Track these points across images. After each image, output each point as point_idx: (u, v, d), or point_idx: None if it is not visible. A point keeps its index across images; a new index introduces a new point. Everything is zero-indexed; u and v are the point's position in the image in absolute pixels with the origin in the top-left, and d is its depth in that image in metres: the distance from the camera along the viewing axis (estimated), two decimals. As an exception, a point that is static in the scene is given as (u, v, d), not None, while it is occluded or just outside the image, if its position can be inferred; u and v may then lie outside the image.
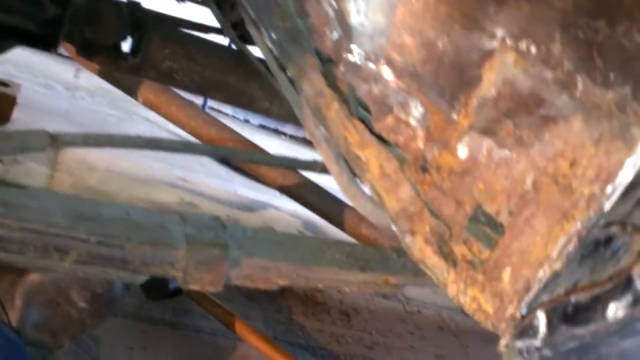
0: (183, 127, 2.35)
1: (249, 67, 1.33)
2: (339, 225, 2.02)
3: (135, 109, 3.23)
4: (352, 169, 0.75)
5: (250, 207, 3.04)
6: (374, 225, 0.85)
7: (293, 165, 1.29)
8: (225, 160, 3.28)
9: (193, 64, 1.44)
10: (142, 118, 3.27)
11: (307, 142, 4.22)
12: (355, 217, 2.01)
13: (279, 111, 1.59)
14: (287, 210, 3.00)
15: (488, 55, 0.68)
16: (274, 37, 0.69)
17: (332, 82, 0.72)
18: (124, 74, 1.48)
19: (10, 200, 0.66)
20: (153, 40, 1.38)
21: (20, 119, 2.47)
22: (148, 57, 1.37)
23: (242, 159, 1.59)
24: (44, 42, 1.28)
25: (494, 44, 0.68)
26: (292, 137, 4.47)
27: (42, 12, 1.24)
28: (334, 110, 0.73)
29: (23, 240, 0.64)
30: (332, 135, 0.74)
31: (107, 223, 0.71)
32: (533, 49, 0.66)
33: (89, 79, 3.19)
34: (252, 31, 0.71)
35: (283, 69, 0.71)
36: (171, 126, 2.58)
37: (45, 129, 0.86)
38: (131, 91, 2.11)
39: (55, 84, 3.11)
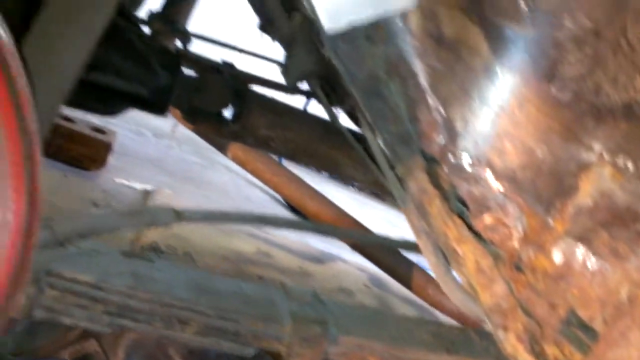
0: (267, 184, 2.46)
1: (337, 136, 1.41)
2: (406, 284, 2.07)
3: (218, 157, 3.36)
4: (449, 262, 0.80)
5: (320, 259, 3.10)
6: (440, 288, 0.90)
7: (394, 245, 1.34)
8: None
9: (288, 132, 1.53)
10: (223, 166, 3.41)
11: (374, 194, 4.29)
12: (422, 277, 2.05)
13: (362, 178, 1.66)
14: (355, 263, 3.05)
15: (585, 167, 0.73)
16: (387, 139, 0.76)
17: (435, 181, 0.78)
18: (223, 139, 1.58)
19: (140, 272, 0.74)
20: (253, 110, 1.47)
21: (115, 164, 2.62)
22: (247, 125, 1.47)
23: (343, 236, 1.68)
24: (154, 107, 1.39)
25: (592, 157, 0.73)
26: (360, 189, 4.54)
27: (156, 80, 1.35)
28: (436, 206, 0.78)
29: (151, 311, 0.71)
30: (432, 229, 0.79)
31: (224, 297, 0.77)
32: (630, 166, 0.70)
33: (177, 127, 3.34)
34: (367, 132, 0.78)
35: (392, 168, 0.78)
36: (249, 175, 2.72)
37: (172, 207, 0.94)
38: (221, 147, 2.24)
39: (145, 131, 3.28)
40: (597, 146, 0.73)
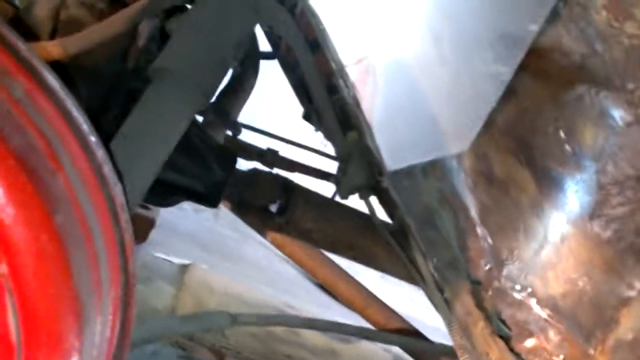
0: (303, 267, 2.51)
1: (375, 231, 1.47)
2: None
3: (252, 232, 3.44)
4: (491, 382, 0.85)
5: (347, 338, 3.11)
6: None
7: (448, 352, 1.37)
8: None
9: (330, 226, 1.59)
10: (257, 242, 3.47)
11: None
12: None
13: (395, 271, 1.72)
14: (380, 344, 3.06)
15: (626, 302, 0.78)
16: (437, 264, 0.82)
17: (479, 303, 0.84)
18: (269, 230, 1.65)
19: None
20: (299, 204, 1.55)
21: (155, 238, 2.71)
22: (292, 219, 1.54)
23: (388, 342, 1.73)
24: (208, 200, 1.47)
25: (632, 293, 0.78)
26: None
27: (211, 176, 1.43)
28: (479, 327, 0.83)
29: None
30: (475, 349, 0.84)
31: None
32: (668, 305, 0.75)
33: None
34: (418, 257, 0.84)
35: (441, 291, 0.83)
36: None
37: (227, 311, 1.00)
38: (260, 231, 2.31)
39: (185, 205, 3.38)
40: (637, 284, 0.78)
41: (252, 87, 2.01)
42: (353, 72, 0.69)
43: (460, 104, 0.74)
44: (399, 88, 0.72)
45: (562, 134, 0.79)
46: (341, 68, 0.68)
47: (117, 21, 0.99)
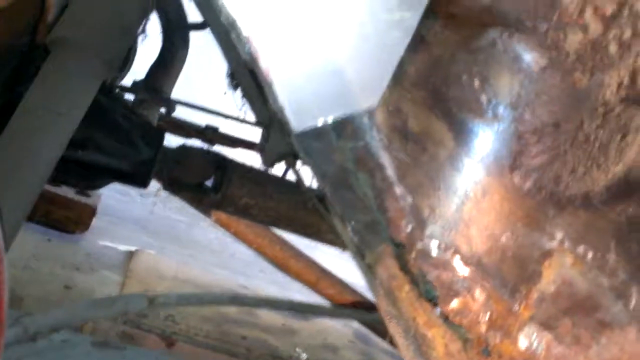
0: (250, 245, 2.47)
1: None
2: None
3: (202, 215, 3.38)
4: (419, 346, 0.82)
5: (305, 315, 3.09)
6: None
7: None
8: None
9: (268, 201, 1.55)
10: (209, 224, 3.41)
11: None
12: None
13: (342, 243, 1.69)
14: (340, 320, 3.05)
15: (548, 254, 0.75)
16: (356, 228, 0.78)
17: (404, 267, 0.80)
18: (205, 207, 1.60)
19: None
20: (233, 180, 1.50)
21: (99, 226, 2.63)
22: (228, 194, 1.49)
23: (342, 316, 1.70)
24: (136, 180, 1.42)
25: (554, 244, 0.75)
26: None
27: (137, 154, 1.38)
28: (405, 292, 0.80)
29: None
30: (402, 315, 0.81)
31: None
32: (589, 255, 0.73)
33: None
34: (337, 223, 0.80)
35: (362, 256, 0.80)
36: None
37: (144, 293, 0.95)
38: (205, 211, 2.25)
39: (131, 191, 3.30)
40: (558, 234, 0.75)
41: (183, 60, 1.95)
42: (245, 27, 0.64)
43: (366, 56, 0.70)
44: (299, 44, 0.68)
45: (476, 83, 0.75)
46: (233, 22, 0.64)
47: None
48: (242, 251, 3.37)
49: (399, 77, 0.73)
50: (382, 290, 0.81)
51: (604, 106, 0.73)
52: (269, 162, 1.04)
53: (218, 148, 2.24)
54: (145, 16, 0.93)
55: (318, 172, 0.76)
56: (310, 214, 1.60)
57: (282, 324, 2.79)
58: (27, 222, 2.32)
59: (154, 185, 3.06)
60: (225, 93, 1.65)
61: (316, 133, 0.73)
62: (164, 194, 3.50)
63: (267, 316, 2.73)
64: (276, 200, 1.57)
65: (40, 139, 0.88)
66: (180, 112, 2.12)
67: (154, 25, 1.84)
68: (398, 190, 0.79)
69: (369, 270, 0.81)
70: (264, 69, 0.67)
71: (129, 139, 1.36)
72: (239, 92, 1.45)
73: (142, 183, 1.41)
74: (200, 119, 2.27)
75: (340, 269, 2.62)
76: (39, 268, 2.12)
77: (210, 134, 2.19)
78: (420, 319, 0.80)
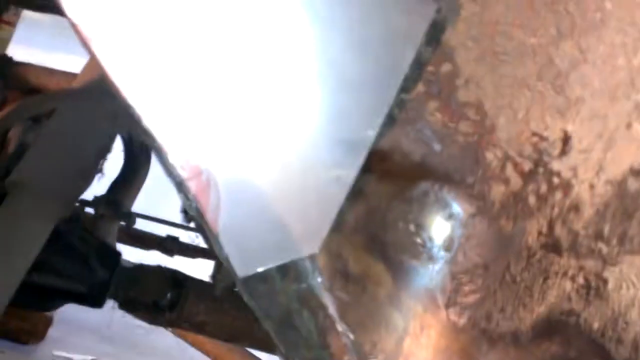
0: (208, 354, 2.45)
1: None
2: None
3: (162, 319, 3.34)
4: None
5: None
6: None
7: None
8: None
9: (224, 317, 1.57)
10: (166, 331, 3.37)
11: None
12: None
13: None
14: None
15: (482, 391, 0.80)
16: (299, 365, 0.82)
17: (348, 401, 0.84)
18: (159, 326, 1.61)
19: None
20: (189, 297, 1.52)
21: (54, 335, 2.59)
22: (184, 312, 1.51)
23: None
24: (91, 301, 1.43)
25: (487, 381, 0.80)
26: None
27: (93, 276, 1.40)
28: None
29: None
30: None
31: None
32: (519, 391, 0.77)
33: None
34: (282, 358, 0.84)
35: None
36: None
37: None
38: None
39: (88, 297, 3.26)
40: (490, 370, 0.80)
41: (145, 175, 2.00)
42: (192, 186, 0.70)
43: (307, 208, 0.76)
44: (243, 197, 0.73)
45: (412, 228, 0.81)
46: (180, 182, 0.69)
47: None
48: (202, 357, 3.33)
49: (338, 224, 0.78)
50: None
51: (527, 250, 0.79)
52: (221, 291, 1.07)
53: (178, 258, 2.27)
54: (103, 156, 0.99)
55: (262, 313, 0.80)
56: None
57: None
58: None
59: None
60: (178, 227, 1.69)
61: (260, 277, 0.78)
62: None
63: None
64: (233, 317, 1.59)
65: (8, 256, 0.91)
66: (140, 224, 2.15)
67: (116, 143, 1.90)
68: (340, 327, 0.83)
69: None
70: (211, 223, 0.72)
71: (85, 261, 1.39)
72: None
73: (97, 304, 1.42)
74: (161, 230, 2.30)
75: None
76: (-9, 382, 2.07)
77: (170, 245, 2.22)
78: None
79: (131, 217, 1.95)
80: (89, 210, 1.88)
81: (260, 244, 0.75)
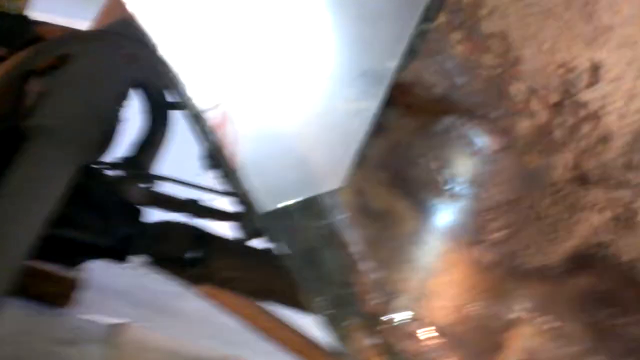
0: (236, 315, 2.47)
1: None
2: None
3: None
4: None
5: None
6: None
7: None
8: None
9: (248, 273, 1.57)
10: (195, 294, 3.40)
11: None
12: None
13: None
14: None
15: (510, 325, 0.79)
16: (324, 304, 0.81)
17: (372, 339, 0.83)
18: (187, 281, 1.62)
19: None
20: (213, 253, 1.53)
21: (83, 298, 2.62)
22: (209, 268, 1.52)
23: None
24: (115, 256, 1.45)
25: (515, 315, 0.79)
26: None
27: (116, 230, 1.41)
28: (374, 364, 0.83)
29: None
30: (372, 387, 0.83)
31: None
32: (549, 325, 0.76)
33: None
34: (307, 300, 0.84)
35: (332, 329, 0.83)
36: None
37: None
38: (189, 282, 2.27)
39: (116, 262, 3.29)
40: (518, 306, 0.79)
41: (163, 137, 2.00)
42: (210, 118, 0.69)
43: (329, 143, 0.75)
44: (263, 133, 0.72)
45: (434, 165, 0.80)
46: (197, 113, 0.68)
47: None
48: (230, 321, 3.35)
49: (361, 160, 0.77)
50: (352, 363, 0.84)
51: (554, 186, 0.78)
52: (250, 236, 1.07)
53: (200, 220, 2.27)
54: (121, 103, 0.98)
55: (284, 252, 0.80)
56: (290, 284, 1.62)
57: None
58: (9, 296, 2.31)
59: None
60: (199, 175, 1.70)
61: (281, 213, 0.77)
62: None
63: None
64: (257, 272, 1.59)
65: (16, 223, 0.91)
66: (162, 187, 2.16)
67: (136, 104, 1.91)
68: (364, 265, 0.82)
69: (338, 344, 0.83)
70: (229, 157, 0.72)
71: (109, 216, 1.39)
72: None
73: (121, 259, 1.43)
74: (182, 193, 2.31)
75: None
76: (21, 343, 2.11)
77: (191, 207, 2.22)
78: (390, 390, 0.82)
79: (151, 178, 1.96)
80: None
81: (281, 179, 0.74)
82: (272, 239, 0.78)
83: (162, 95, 1.81)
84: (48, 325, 2.36)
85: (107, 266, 3.35)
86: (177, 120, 2.03)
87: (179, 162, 2.52)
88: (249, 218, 1.03)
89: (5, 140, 1.18)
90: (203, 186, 2.14)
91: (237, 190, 0.73)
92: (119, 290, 3.01)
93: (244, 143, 0.71)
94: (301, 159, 0.74)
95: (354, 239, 0.82)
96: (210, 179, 2.06)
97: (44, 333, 2.27)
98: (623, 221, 0.75)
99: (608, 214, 0.75)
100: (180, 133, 2.16)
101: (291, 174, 0.75)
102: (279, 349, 2.82)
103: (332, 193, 0.79)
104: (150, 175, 1.86)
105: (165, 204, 2.10)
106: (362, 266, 0.82)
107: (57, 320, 2.44)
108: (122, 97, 0.98)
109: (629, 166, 0.73)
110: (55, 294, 2.45)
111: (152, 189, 1.96)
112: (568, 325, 0.77)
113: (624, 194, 0.74)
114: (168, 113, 1.87)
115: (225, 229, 1.88)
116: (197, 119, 0.68)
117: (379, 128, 0.77)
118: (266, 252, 1.67)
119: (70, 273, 2.51)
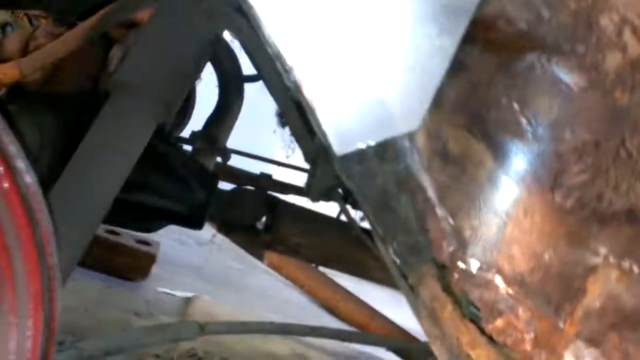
0: (301, 287, 2.50)
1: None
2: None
3: (257, 262, 3.43)
4: (465, 367, 0.82)
5: (355, 357, 3.05)
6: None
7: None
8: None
9: (318, 240, 1.58)
10: (262, 271, 3.45)
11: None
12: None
13: (386, 279, 1.70)
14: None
15: (592, 270, 0.75)
16: (398, 250, 0.80)
17: (446, 287, 0.81)
18: (256, 248, 1.64)
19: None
20: (284, 220, 1.54)
21: (158, 273, 2.70)
22: (279, 234, 1.53)
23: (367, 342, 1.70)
24: (191, 222, 1.47)
25: (598, 260, 0.75)
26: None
27: (192, 197, 1.43)
28: (448, 312, 0.81)
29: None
30: (446, 335, 0.82)
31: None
32: (635, 269, 0.73)
33: (217, 235, 3.43)
34: (379, 245, 0.82)
35: (405, 277, 0.81)
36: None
37: (196, 321, 0.98)
38: (257, 254, 2.30)
39: (188, 240, 3.38)
40: (602, 250, 0.75)
41: (238, 111, 2.03)
42: (289, 57, 0.69)
43: (406, 82, 0.74)
44: (342, 72, 0.71)
45: (515, 105, 0.77)
46: (277, 52, 0.68)
47: (68, 39, 1.00)
48: (295, 296, 3.38)
49: (438, 101, 0.75)
50: (425, 311, 0.82)
51: (645, 124, 0.74)
52: (316, 196, 1.07)
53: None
54: (201, 61, 0.99)
55: (360, 195, 0.79)
56: (359, 251, 1.61)
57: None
58: (89, 269, 2.40)
59: (209, 232, 3.14)
60: (274, 131, 1.70)
61: (358, 156, 0.76)
62: (219, 241, 3.58)
63: (320, 359, 2.71)
64: (326, 239, 1.60)
65: (98, 176, 0.93)
66: (235, 161, 2.19)
67: (211, 79, 1.94)
68: (439, 211, 0.80)
69: (411, 292, 0.82)
70: (308, 97, 0.71)
71: (185, 183, 1.42)
72: (287, 131, 1.50)
73: (197, 225, 1.46)
74: (254, 167, 2.34)
75: (392, 311, 2.60)
76: (99, 313, 2.18)
77: (264, 181, 2.25)
78: (463, 338, 0.80)
79: (226, 152, 1.98)
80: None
81: (359, 120, 0.73)
82: (348, 182, 0.77)
83: (237, 68, 1.84)
84: (125, 297, 2.43)
85: (179, 244, 3.43)
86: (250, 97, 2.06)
87: (253, 137, 2.55)
88: (319, 178, 1.03)
89: (92, 102, 1.22)
90: (276, 161, 2.17)
91: (316, 130, 0.72)
92: (191, 265, 3.08)
93: (321, 83, 0.71)
94: (378, 99, 0.73)
95: (429, 183, 0.80)
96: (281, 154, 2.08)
97: (121, 304, 2.34)
98: None
99: None
100: (254, 107, 2.19)
101: (368, 115, 0.74)
102: (345, 323, 2.83)
103: (408, 135, 0.78)
104: (225, 149, 1.89)
105: (238, 179, 2.13)
106: (438, 212, 0.81)
107: (133, 293, 2.51)
108: (201, 57, 0.99)
109: None
110: (133, 267, 2.53)
111: (226, 163, 1.99)
112: (657, 270, 0.73)
113: None
114: (242, 87, 1.89)
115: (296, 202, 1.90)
116: (277, 58, 0.68)
117: (457, 66, 0.75)
118: (334, 220, 1.68)
119: (146, 249, 2.59)
